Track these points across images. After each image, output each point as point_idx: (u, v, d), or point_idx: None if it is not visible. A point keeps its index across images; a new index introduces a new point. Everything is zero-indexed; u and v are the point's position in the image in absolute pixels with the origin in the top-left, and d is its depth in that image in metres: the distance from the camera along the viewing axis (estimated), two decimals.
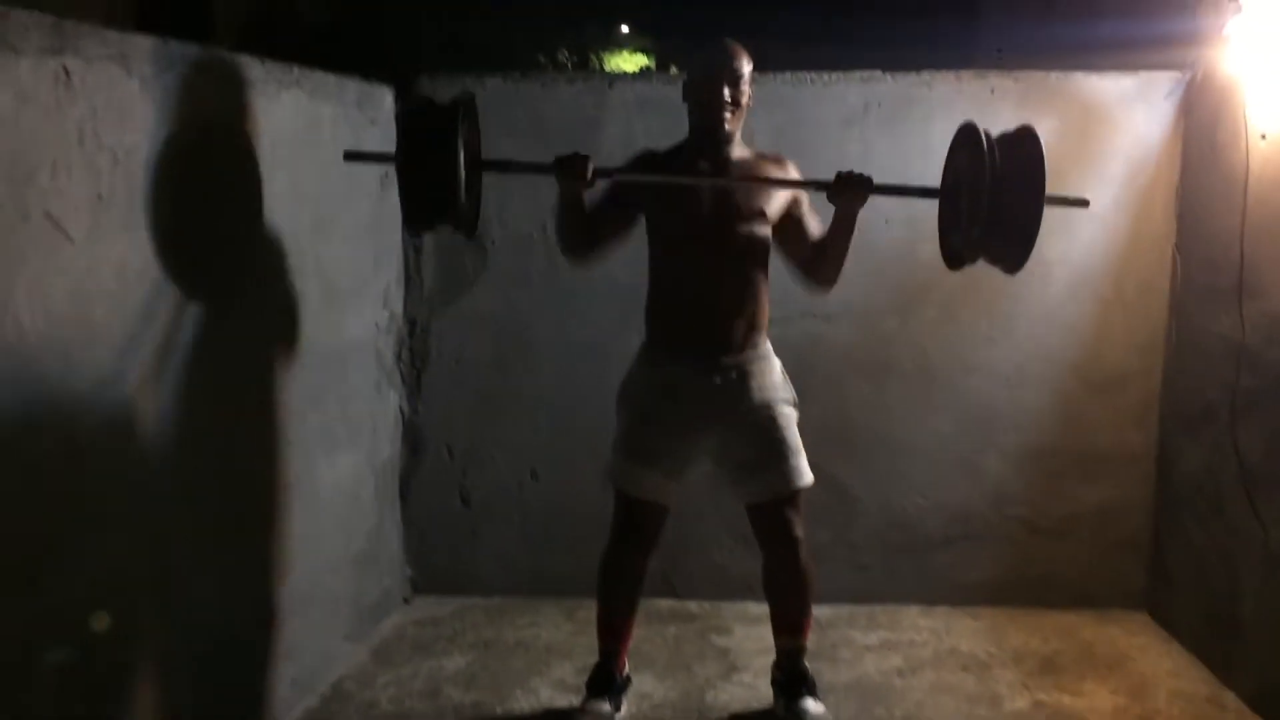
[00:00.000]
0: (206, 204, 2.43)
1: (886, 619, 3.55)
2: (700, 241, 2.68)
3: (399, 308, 3.58)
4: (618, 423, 2.83)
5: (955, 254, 2.61)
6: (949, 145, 2.66)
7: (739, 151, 2.75)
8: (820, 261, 2.74)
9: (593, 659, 2.90)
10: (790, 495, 2.74)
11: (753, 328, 2.75)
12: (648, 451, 2.73)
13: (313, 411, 3.00)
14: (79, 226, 1.99)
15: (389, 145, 3.45)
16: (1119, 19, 4.11)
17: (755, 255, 2.73)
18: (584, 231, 2.71)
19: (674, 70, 3.63)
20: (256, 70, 2.64)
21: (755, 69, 3.58)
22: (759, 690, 3.00)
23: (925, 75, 3.50)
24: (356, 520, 3.35)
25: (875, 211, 3.51)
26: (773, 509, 2.75)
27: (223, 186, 2.50)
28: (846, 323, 3.59)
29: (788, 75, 3.52)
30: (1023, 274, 3.46)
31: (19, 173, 1.84)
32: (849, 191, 2.61)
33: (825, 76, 3.52)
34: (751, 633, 3.41)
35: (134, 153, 2.15)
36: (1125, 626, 3.50)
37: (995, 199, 2.40)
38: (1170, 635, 3.43)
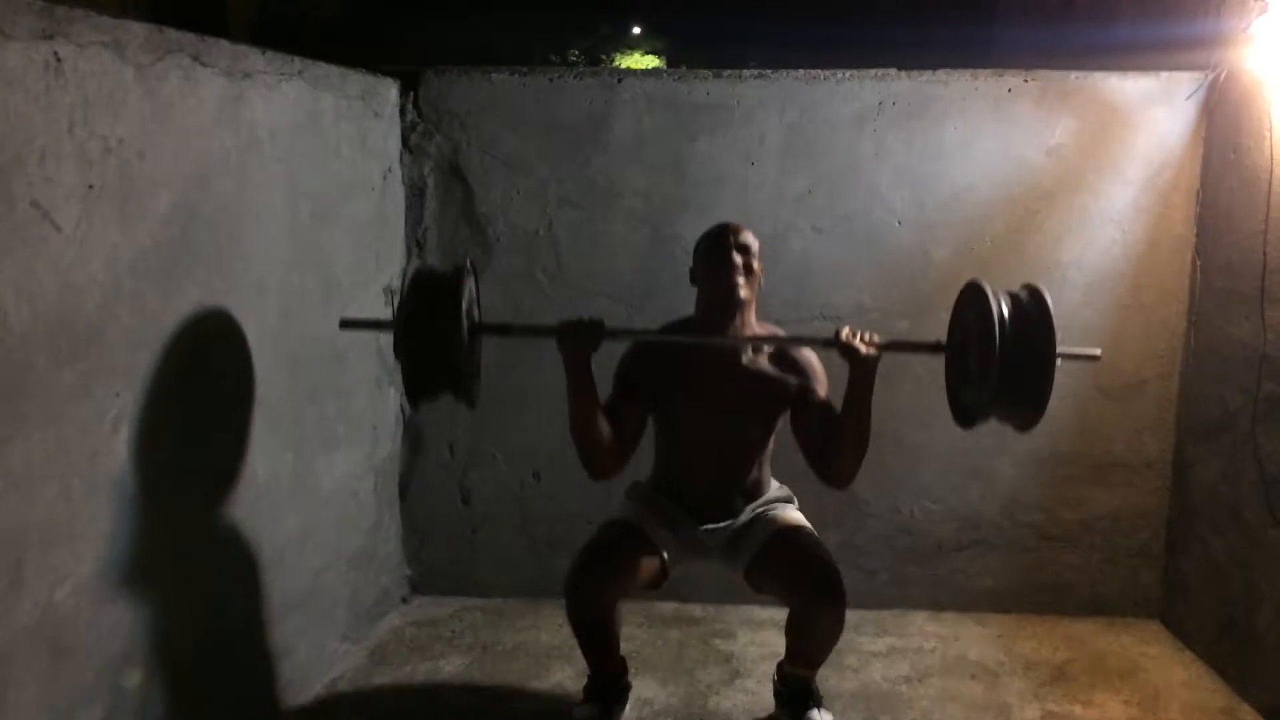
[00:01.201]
0: (202, 194, 2.38)
1: (894, 625, 3.49)
2: (708, 430, 2.72)
3: None
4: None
5: (967, 413, 2.55)
6: (955, 301, 2.58)
7: (753, 329, 2.70)
8: (836, 444, 2.60)
9: None
10: (791, 531, 2.72)
11: (756, 493, 2.82)
12: (655, 516, 2.77)
13: (311, 407, 2.95)
14: (68, 217, 1.94)
15: (394, 140, 3.43)
16: (1138, 20, 4.03)
17: (763, 438, 2.78)
18: (597, 423, 2.60)
19: (685, 68, 3.56)
20: (256, 59, 2.59)
21: (770, 68, 3.55)
22: (762, 697, 2.94)
23: (941, 74, 3.43)
24: (355, 519, 3.30)
25: (888, 213, 3.48)
26: (782, 552, 2.69)
27: (219, 177, 2.45)
28: (857, 325, 3.50)
29: (800, 73, 3.45)
30: (1038, 277, 3.43)
31: (6, 161, 1.79)
32: (855, 352, 2.54)
33: (839, 74, 3.45)
34: (756, 638, 3.35)
35: (127, 142, 2.10)
36: (1138, 635, 3.43)
37: (1006, 361, 2.34)
38: (1184, 645, 3.35)
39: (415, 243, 3.54)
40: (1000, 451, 3.55)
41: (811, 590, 2.58)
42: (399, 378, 3.52)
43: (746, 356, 2.71)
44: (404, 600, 3.64)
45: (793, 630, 2.69)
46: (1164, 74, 3.38)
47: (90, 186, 2.01)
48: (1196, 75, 3.34)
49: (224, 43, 2.45)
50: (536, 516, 3.66)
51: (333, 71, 3.00)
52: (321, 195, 2.95)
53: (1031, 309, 2.42)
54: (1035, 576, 3.60)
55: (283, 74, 2.71)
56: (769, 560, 2.69)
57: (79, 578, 2.02)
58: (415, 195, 3.53)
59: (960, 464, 3.57)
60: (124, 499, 2.14)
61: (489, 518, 3.68)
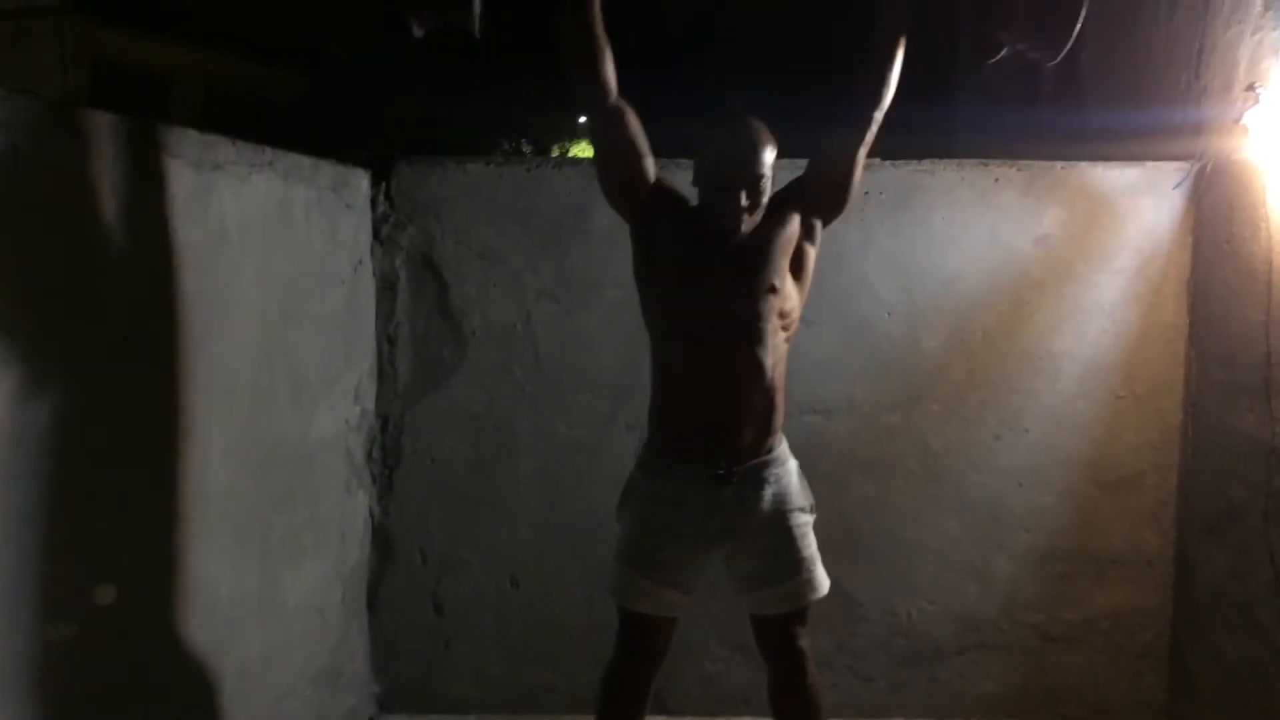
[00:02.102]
0: (168, 291, 2.21)
1: None
2: (710, 316, 2.42)
3: (371, 403, 3.34)
4: (620, 530, 2.59)
5: (991, 41, 2.38)
6: None
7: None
8: (870, 65, 2.50)
9: None
10: (800, 610, 2.53)
11: (767, 431, 2.50)
12: (651, 562, 2.48)
13: (278, 516, 2.75)
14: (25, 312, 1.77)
15: (365, 232, 3.28)
16: (1108, 106, 4.03)
17: (771, 346, 2.48)
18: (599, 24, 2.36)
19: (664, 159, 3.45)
20: (227, 150, 2.44)
21: None
22: None
23: (926, 163, 3.38)
24: (320, 635, 3.07)
25: (877, 303, 3.39)
26: (778, 622, 2.54)
27: (186, 273, 2.27)
28: (847, 418, 3.40)
29: (784, 161, 3.36)
30: (1030, 368, 3.38)
31: None
32: None
33: None
34: None
35: (90, 235, 1.93)
36: None
37: None
38: None
39: (386, 338, 3.37)
40: (996, 548, 3.42)
41: (778, 659, 2.57)
42: (368, 479, 3.35)
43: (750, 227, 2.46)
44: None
45: (772, 707, 2.61)
46: (1149, 164, 3.35)
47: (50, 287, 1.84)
48: (1182, 165, 3.32)
49: (193, 132, 2.30)
50: (515, 626, 3.44)
51: (304, 162, 2.86)
52: (291, 290, 2.79)
53: None
54: (1037, 680, 3.45)
55: (253, 165, 2.56)
56: (764, 632, 2.57)
57: (20, 685, 1.80)
58: (386, 289, 3.37)
59: (957, 561, 3.44)
60: (74, 614, 1.92)
61: (464, 628, 3.45)
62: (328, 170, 3.01)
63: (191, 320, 2.30)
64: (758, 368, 2.46)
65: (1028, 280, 3.36)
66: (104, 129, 1.98)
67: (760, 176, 2.40)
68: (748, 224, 2.45)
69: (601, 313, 3.39)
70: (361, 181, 3.26)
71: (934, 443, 3.40)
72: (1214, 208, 3.22)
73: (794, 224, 2.51)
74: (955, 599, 3.44)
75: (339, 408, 3.14)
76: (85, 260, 1.93)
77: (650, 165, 2.51)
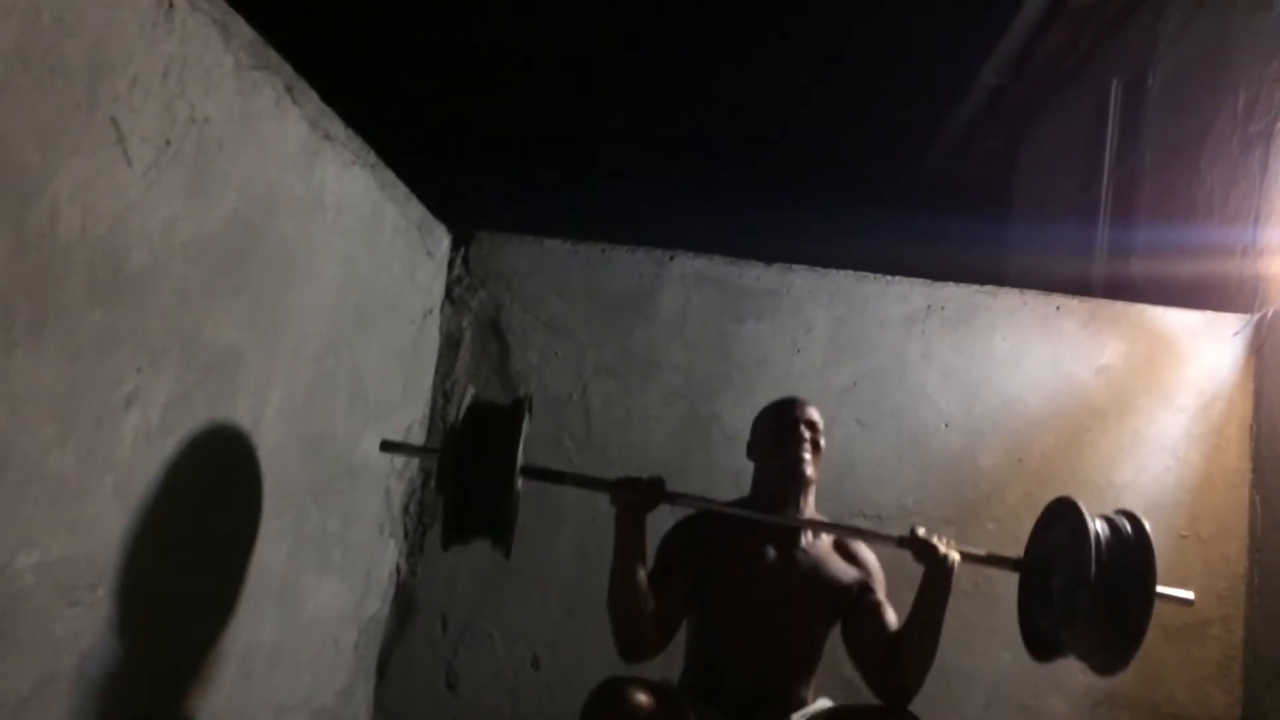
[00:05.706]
0: (264, 220, 2.27)
1: None
2: (756, 626, 2.41)
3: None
4: None
5: (1043, 645, 2.35)
6: (1039, 517, 2.42)
7: (813, 514, 2.50)
8: (898, 652, 2.32)
9: None
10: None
11: (799, 700, 2.46)
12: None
13: (316, 509, 2.67)
14: (140, 158, 1.83)
15: (439, 286, 3.37)
16: (1171, 259, 4.12)
17: (817, 642, 2.48)
18: (642, 589, 2.33)
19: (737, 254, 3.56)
20: (338, 127, 2.55)
21: (809, 264, 3.56)
22: None
23: (989, 287, 3.46)
24: (330, 669, 2.89)
25: (935, 414, 3.38)
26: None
27: (283, 214, 2.35)
28: (898, 527, 3.23)
29: (850, 271, 3.47)
30: (1090, 496, 3.22)
31: (100, 58, 1.71)
32: (933, 552, 2.37)
33: (888, 276, 3.48)
34: None
35: (212, 123, 2.03)
36: None
37: (1097, 595, 2.14)
38: None
39: (443, 393, 3.38)
40: (1053, 688, 3.20)
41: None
42: (401, 532, 3.25)
43: (806, 541, 2.46)
44: None
45: None
46: (1208, 312, 3.41)
47: (167, 142, 1.92)
48: (1241, 315, 3.38)
49: (312, 90, 2.44)
50: (530, 712, 3.22)
51: (401, 188, 2.99)
52: (368, 297, 2.85)
53: (1131, 540, 2.19)
54: None
55: (357, 157, 2.68)
56: None
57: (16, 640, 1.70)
58: (450, 346, 3.42)
59: (1009, 697, 3.21)
60: (125, 497, 1.85)
61: (475, 707, 3.23)
62: (417, 208, 3.13)
63: (277, 261, 2.35)
64: (794, 673, 2.47)
65: (1089, 408, 3.35)
66: (245, 36, 2.09)
67: (814, 422, 2.50)
68: (811, 534, 2.48)
69: (658, 394, 3.39)
70: (444, 238, 3.38)
71: None
72: (1274, 356, 3.24)
73: (850, 584, 2.50)
74: None
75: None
76: (201, 141, 2.01)
77: (673, 586, 2.42)
